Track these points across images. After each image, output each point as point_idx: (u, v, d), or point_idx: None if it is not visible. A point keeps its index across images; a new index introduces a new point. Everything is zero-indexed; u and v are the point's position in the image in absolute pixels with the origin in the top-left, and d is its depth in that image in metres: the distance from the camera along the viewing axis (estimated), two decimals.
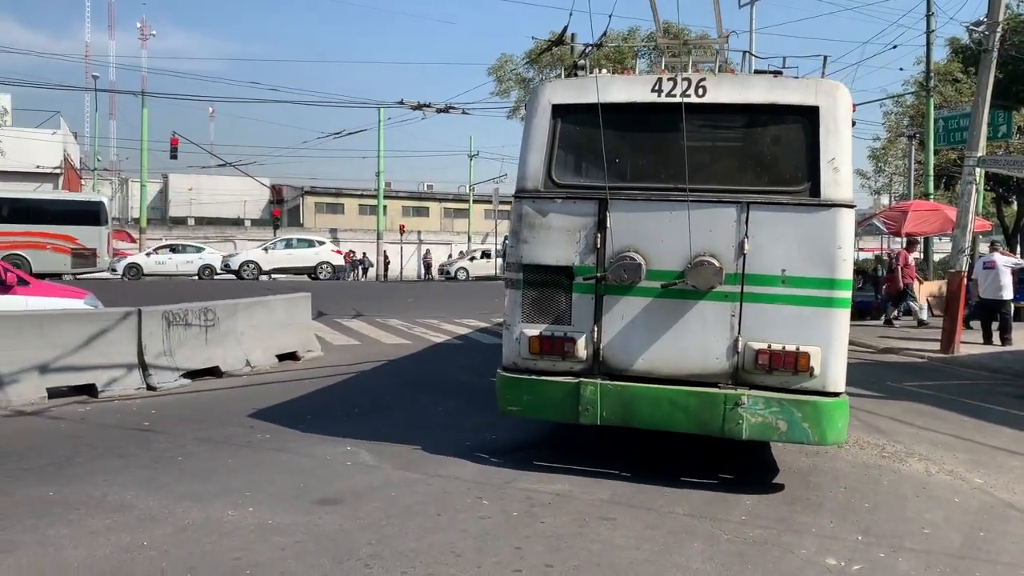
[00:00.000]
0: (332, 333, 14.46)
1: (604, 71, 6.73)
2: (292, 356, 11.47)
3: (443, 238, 58.37)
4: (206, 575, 4.19)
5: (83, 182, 60.45)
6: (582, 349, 6.02)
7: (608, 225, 5.98)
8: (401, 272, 47.81)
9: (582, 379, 6.02)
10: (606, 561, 4.50)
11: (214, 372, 9.98)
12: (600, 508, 5.39)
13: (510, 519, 5.13)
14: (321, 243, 36.09)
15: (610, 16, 8.37)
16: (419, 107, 34.87)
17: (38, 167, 46.61)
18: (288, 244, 35.71)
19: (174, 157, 42.70)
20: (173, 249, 35.24)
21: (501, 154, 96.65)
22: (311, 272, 33.98)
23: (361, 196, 65.86)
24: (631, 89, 6.14)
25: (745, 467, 6.61)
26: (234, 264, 33.54)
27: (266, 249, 34.80)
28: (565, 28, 14.57)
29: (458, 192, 70.00)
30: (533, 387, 6.14)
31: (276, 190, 53.44)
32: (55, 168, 48.49)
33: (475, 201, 61.52)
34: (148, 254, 34.58)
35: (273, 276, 33.25)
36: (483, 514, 5.20)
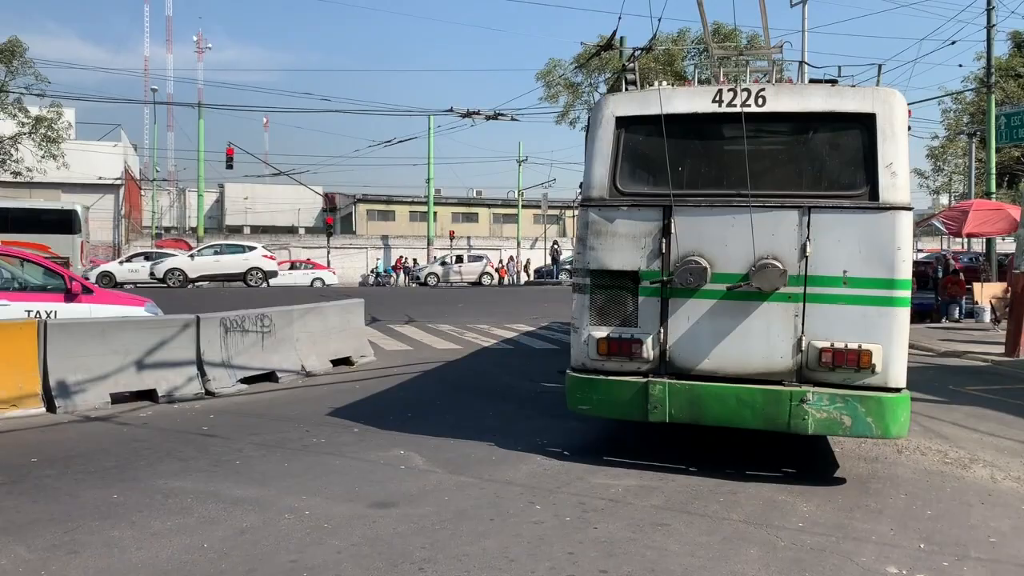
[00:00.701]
0: (384, 338, 14.62)
1: (664, 83, 6.97)
2: (346, 361, 11.62)
3: (492, 243, 58.58)
4: None
5: (143, 192, 62.13)
6: (649, 350, 6.26)
7: (673, 231, 6.23)
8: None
9: (650, 379, 6.25)
10: (661, 567, 4.47)
11: (270, 377, 10.17)
12: (654, 514, 5.35)
13: (563, 524, 5.12)
14: (252, 248, 33.63)
15: (659, 19, 8.73)
16: (468, 114, 35.04)
17: (100, 178, 48.13)
18: (217, 251, 33.27)
19: (230, 167, 43.73)
20: (147, 256, 33.96)
21: (550, 159, 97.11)
22: (243, 279, 31.30)
23: (412, 203, 66.55)
24: (692, 100, 6.37)
25: (807, 463, 6.51)
26: (159, 272, 30.74)
27: (192, 256, 32.86)
28: (614, 32, 14.55)
29: (507, 197, 70.25)
30: (603, 387, 6.39)
31: (329, 198, 54.26)
32: (116, 179, 49.98)
33: (524, 206, 61.68)
34: (121, 262, 33.20)
35: (198, 284, 30.95)
36: (536, 519, 5.20)
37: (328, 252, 47.71)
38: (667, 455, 6.81)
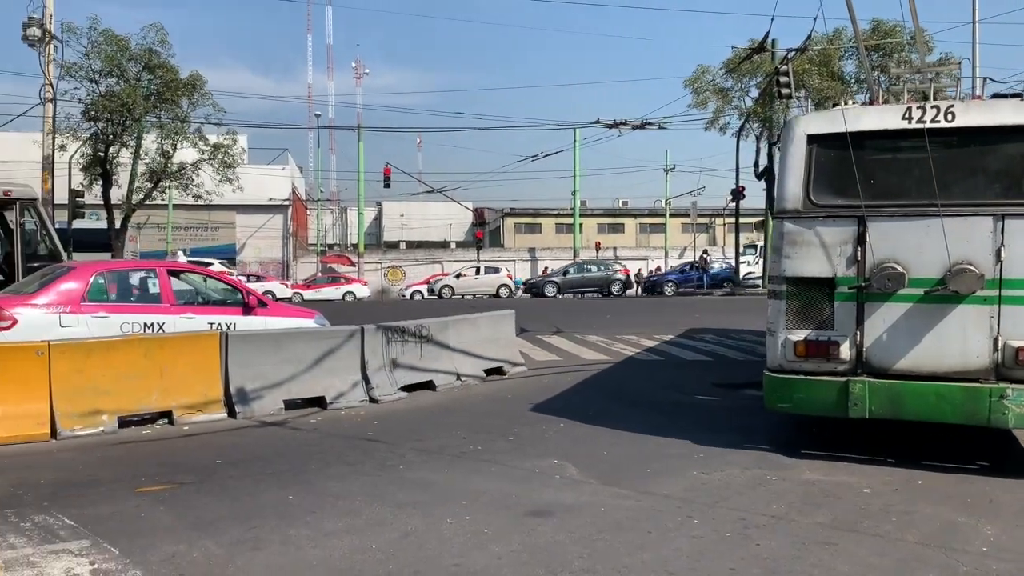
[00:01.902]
0: (534, 349, 14.79)
1: (851, 102, 7.41)
2: (499, 371, 11.86)
3: (639, 253, 58.07)
4: None
5: (308, 212, 65.85)
6: (846, 351, 6.72)
7: (868, 239, 6.67)
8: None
9: (850, 378, 6.67)
10: None
11: (428, 386, 10.53)
12: (819, 532, 5.14)
13: (723, 539, 5.01)
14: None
15: (815, 19, 9.09)
16: (615, 125, 35.01)
17: (270, 200, 51.51)
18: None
19: (387, 186, 45.73)
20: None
21: (698, 166, 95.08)
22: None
23: (558, 215, 67.04)
24: (883, 118, 6.85)
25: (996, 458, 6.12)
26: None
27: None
28: (766, 35, 14.18)
29: (654, 207, 69.43)
30: (803, 386, 6.86)
31: (478, 213, 55.56)
32: (284, 200, 53.30)
33: (671, 215, 60.75)
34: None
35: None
36: (695, 533, 5.12)
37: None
38: (837, 467, 6.53)
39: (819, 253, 6.81)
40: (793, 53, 27.06)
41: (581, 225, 54.62)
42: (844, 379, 6.68)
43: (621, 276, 38.71)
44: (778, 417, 8.39)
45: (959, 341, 6.46)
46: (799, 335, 6.84)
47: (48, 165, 23.53)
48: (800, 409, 7.06)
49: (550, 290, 37.99)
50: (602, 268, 40.49)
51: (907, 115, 6.71)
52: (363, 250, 52.53)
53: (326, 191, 77.95)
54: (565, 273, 39.97)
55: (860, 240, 6.69)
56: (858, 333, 6.71)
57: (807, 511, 5.56)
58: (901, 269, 6.55)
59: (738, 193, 38.90)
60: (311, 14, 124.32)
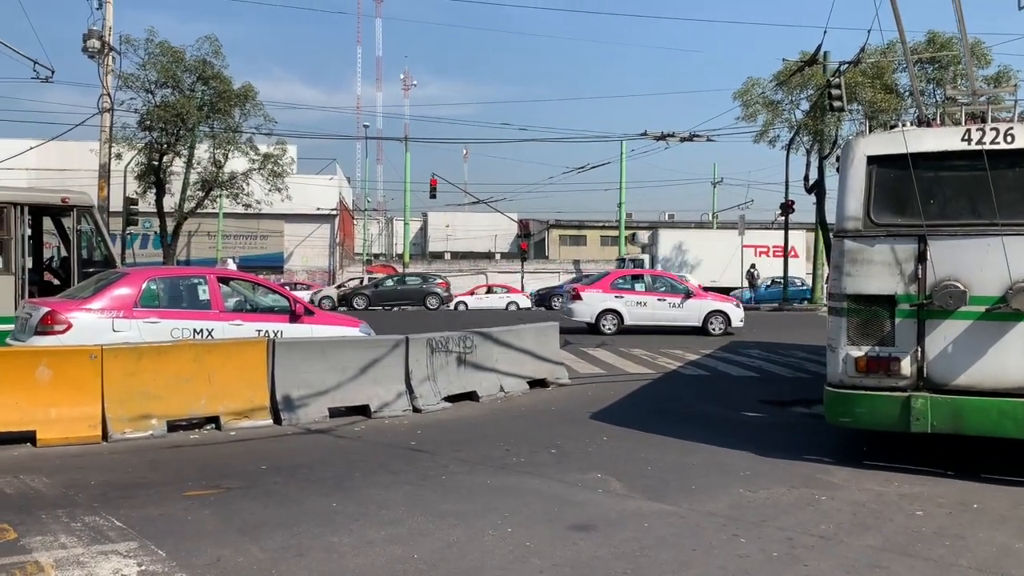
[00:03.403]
0: (578, 361, 14.72)
1: (908, 123, 7.69)
2: (542, 383, 11.82)
3: None
4: None
5: (355, 221, 66.60)
6: (907, 367, 6.85)
7: (929, 257, 6.83)
8: None
9: (911, 393, 6.80)
10: None
11: (471, 397, 10.53)
12: (870, 554, 5.00)
13: (770, 559, 4.91)
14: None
15: (868, 31, 9.35)
16: (662, 137, 34.75)
17: (318, 209, 52.16)
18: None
19: (433, 196, 45.96)
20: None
21: (747, 180, 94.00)
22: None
23: (603, 227, 66.83)
24: (942, 139, 7.03)
25: None
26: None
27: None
28: (819, 47, 13.98)
29: (700, 220, 68.79)
30: (865, 401, 7.00)
31: (523, 224, 55.64)
32: (332, 210, 53.96)
33: (719, 228, 60.11)
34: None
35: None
36: (741, 552, 5.02)
37: (522, 276, 48.84)
38: (888, 488, 6.37)
39: (880, 271, 6.96)
40: (846, 65, 26.66)
41: (627, 238, 54.37)
42: (906, 394, 6.81)
43: (438, 290, 36.89)
44: (826, 436, 8.23)
45: (1021, 358, 6.57)
46: (860, 351, 6.98)
47: (104, 173, 24.14)
48: (861, 424, 7.17)
49: (359, 302, 35.32)
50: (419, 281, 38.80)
51: (967, 136, 6.87)
52: (408, 260, 52.96)
53: (373, 201, 78.80)
54: (377, 286, 38.20)
55: (921, 258, 6.85)
56: (919, 349, 6.84)
57: (857, 532, 5.42)
58: (962, 287, 6.68)
59: (787, 207, 38.32)
60: (361, 26, 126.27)
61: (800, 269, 43.94)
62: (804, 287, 40.62)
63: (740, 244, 42.02)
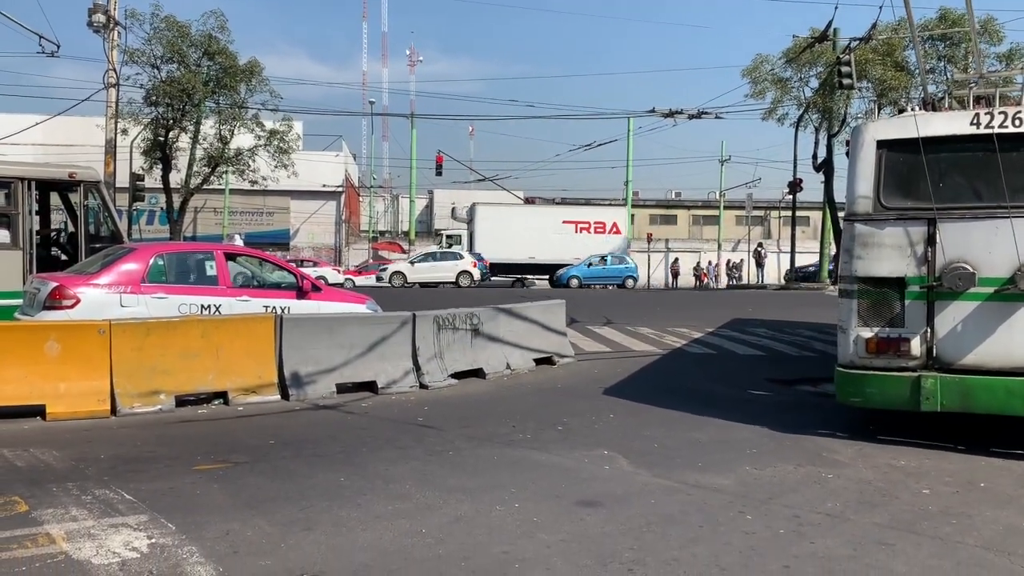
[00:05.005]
0: (584, 340, 14.72)
1: (917, 108, 7.71)
2: (548, 361, 11.83)
3: (691, 245, 57.43)
4: (478, 564, 4.43)
5: (361, 199, 66.54)
6: (916, 348, 6.96)
7: (938, 240, 6.92)
8: (648, 280, 47.60)
9: (921, 373, 6.92)
10: None
11: (477, 374, 10.55)
12: (876, 531, 5.02)
13: (776, 536, 4.92)
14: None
15: (880, 7, 9.64)
16: (670, 114, 34.59)
17: (324, 186, 52.10)
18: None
19: (439, 174, 45.92)
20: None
21: (755, 157, 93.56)
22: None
23: (609, 205, 66.54)
24: (951, 124, 7.11)
25: None
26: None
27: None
28: (829, 23, 13.84)
29: (707, 199, 68.55)
30: (875, 381, 7.11)
31: (529, 202, 55.40)
32: (338, 187, 53.88)
33: (726, 207, 59.90)
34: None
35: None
36: (747, 529, 5.04)
37: None
38: (894, 467, 6.39)
39: (890, 254, 7.07)
40: (856, 43, 26.38)
41: (633, 216, 54.21)
42: (916, 374, 6.93)
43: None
44: (833, 414, 8.23)
45: None
46: (870, 332, 7.10)
47: (111, 149, 24.13)
48: (872, 403, 7.28)
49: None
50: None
51: (975, 120, 6.96)
52: (414, 237, 52.92)
53: (379, 178, 78.65)
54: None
55: (930, 241, 6.94)
56: (928, 330, 6.96)
57: (863, 510, 5.43)
58: (971, 269, 6.77)
59: (795, 185, 38.15)
60: (367, 1, 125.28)
61: (620, 246, 42.27)
62: (626, 265, 39.45)
63: (559, 221, 41.11)
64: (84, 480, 5.83)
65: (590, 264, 38.42)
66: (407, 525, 5.00)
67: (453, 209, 50.31)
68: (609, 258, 39.16)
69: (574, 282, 37.02)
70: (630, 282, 38.54)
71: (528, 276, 39.91)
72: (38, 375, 7.84)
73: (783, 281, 41.51)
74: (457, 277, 34.18)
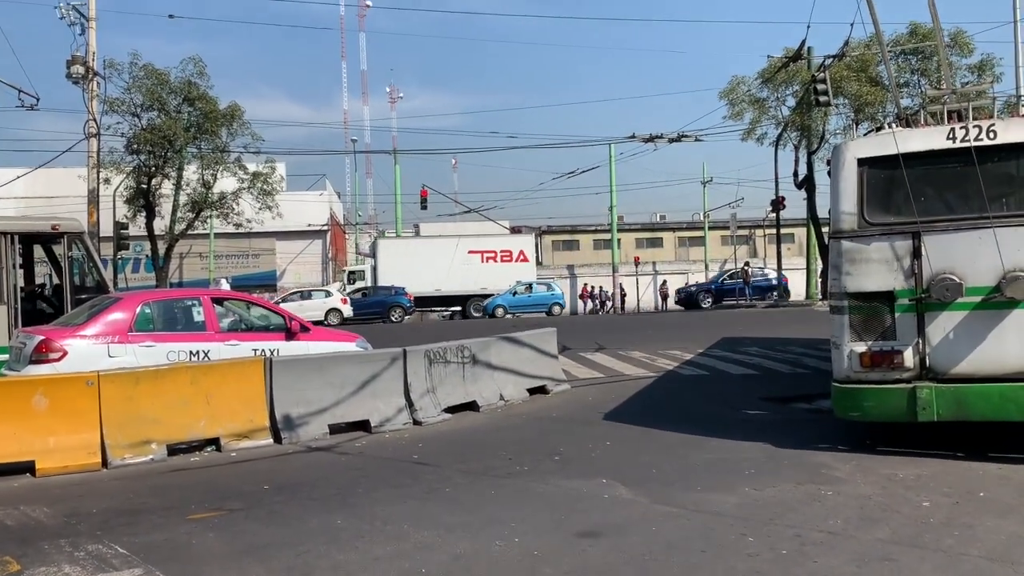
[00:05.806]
0: (577, 367, 14.69)
1: (894, 124, 7.86)
2: (542, 390, 11.79)
3: (678, 267, 57.53)
4: None
5: (347, 236, 66.51)
6: (909, 359, 7.04)
7: (924, 253, 7.01)
8: (638, 304, 47.68)
9: (916, 384, 6.98)
10: None
11: (471, 407, 10.49)
12: (879, 547, 4.99)
13: (779, 557, 4.88)
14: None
15: (851, 24, 9.93)
16: (651, 139, 34.91)
17: (309, 225, 52.05)
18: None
19: (424, 207, 46.08)
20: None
21: (736, 178, 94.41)
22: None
23: (595, 231, 66.73)
24: (928, 139, 7.24)
25: None
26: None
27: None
28: (802, 42, 14.06)
29: (692, 220, 68.91)
30: (871, 394, 7.16)
31: (515, 231, 55.54)
32: (323, 225, 53.88)
33: (710, 228, 60.20)
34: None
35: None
36: (750, 551, 4.99)
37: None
38: (893, 481, 6.36)
39: (877, 268, 7.16)
40: (830, 60, 26.74)
41: (619, 241, 54.38)
42: (910, 386, 7.01)
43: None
44: (830, 430, 8.23)
45: (1018, 343, 6.80)
46: (863, 346, 7.17)
47: (94, 199, 24.06)
48: (870, 417, 7.34)
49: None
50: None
51: (951, 135, 7.11)
52: None
53: (364, 215, 78.78)
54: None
55: (916, 254, 7.05)
56: (920, 341, 7.05)
57: (865, 526, 5.40)
58: (958, 279, 6.87)
59: (778, 203, 38.43)
60: (344, 40, 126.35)
61: (529, 275, 41.72)
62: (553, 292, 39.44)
63: (465, 251, 40.61)
64: (76, 536, 5.73)
65: (515, 292, 38.35)
66: (407, 565, 4.93)
67: (356, 245, 49.87)
68: (534, 285, 39.16)
69: (500, 311, 37.00)
70: (556, 309, 38.45)
71: (436, 308, 39.90)
72: (27, 431, 7.73)
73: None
74: (326, 315, 32.78)
